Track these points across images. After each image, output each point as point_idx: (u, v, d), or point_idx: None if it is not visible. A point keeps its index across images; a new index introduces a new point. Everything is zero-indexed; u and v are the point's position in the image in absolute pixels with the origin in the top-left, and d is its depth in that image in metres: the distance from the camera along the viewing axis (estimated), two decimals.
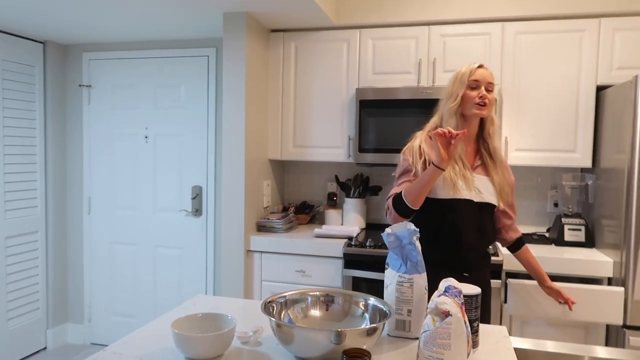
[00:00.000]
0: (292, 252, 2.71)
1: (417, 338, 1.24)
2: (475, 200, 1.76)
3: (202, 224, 3.41)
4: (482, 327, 1.28)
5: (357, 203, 3.06)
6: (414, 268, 1.23)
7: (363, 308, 1.20)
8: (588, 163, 2.63)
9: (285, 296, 1.22)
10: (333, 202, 3.19)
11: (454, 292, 1.06)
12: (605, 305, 1.98)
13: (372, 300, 1.20)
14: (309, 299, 1.22)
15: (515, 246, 1.97)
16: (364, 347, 1.03)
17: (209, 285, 3.41)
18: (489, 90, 1.76)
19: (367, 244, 2.58)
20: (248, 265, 2.78)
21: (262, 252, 2.77)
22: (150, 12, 2.74)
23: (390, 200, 1.75)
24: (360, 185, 3.09)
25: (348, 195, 3.09)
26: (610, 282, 2.35)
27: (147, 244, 3.51)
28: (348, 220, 3.06)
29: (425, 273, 1.25)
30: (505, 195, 1.82)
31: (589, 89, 2.61)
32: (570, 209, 2.76)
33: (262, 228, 2.90)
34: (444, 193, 1.74)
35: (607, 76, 2.58)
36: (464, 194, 1.74)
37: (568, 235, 2.63)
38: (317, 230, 2.80)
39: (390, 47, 2.85)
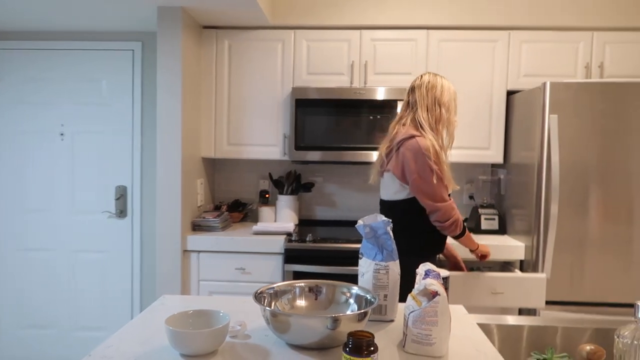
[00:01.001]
0: (230, 250, 2.70)
1: (392, 320, 1.35)
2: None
3: (127, 226, 3.26)
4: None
5: (290, 200, 3.13)
6: (389, 256, 1.33)
7: (347, 296, 1.27)
8: (500, 159, 2.94)
9: (273, 287, 1.26)
10: (265, 199, 3.22)
11: (435, 274, 1.18)
12: (530, 291, 2.25)
13: (355, 289, 1.28)
14: (297, 289, 1.27)
15: None
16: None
17: (136, 289, 3.27)
18: None
19: (307, 238, 2.66)
20: (185, 265, 2.72)
21: (199, 251, 2.73)
22: (71, 1, 2.57)
23: (460, 223, 2.05)
24: (293, 182, 3.16)
25: (281, 193, 3.14)
26: (522, 264, 2.66)
27: (64, 249, 3.27)
28: (281, 217, 3.11)
29: (398, 260, 1.36)
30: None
31: (500, 93, 2.92)
32: (485, 201, 3.07)
33: (198, 227, 2.85)
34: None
35: (515, 82, 2.91)
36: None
37: (484, 224, 2.93)
38: (256, 227, 2.83)
39: (324, 48, 2.95)
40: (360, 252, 1.40)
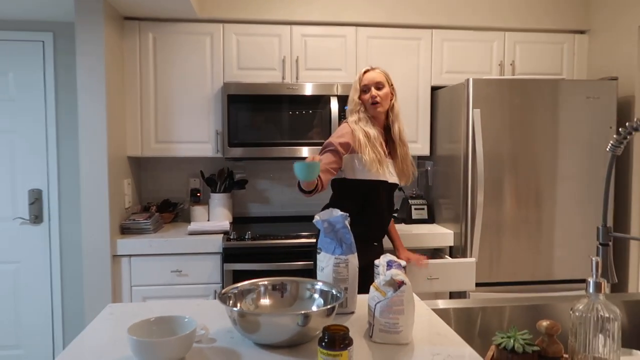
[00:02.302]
0: (165, 252, 2.59)
1: (352, 312, 1.37)
2: (389, 181, 2.13)
3: (43, 232, 3.00)
4: None
5: (224, 198, 3.06)
6: (348, 249, 1.36)
7: (311, 292, 1.28)
8: (427, 152, 3.09)
9: (237, 287, 1.23)
10: (197, 198, 3.12)
11: (397, 264, 1.22)
12: (462, 274, 2.39)
13: (319, 285, 1.29)
14: (262, 288, 1.25)
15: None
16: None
17: (56, 299, 3.03)
18: (379, 88, 2.13)
19: (246, 236, 2.62)
20: (115, 271, 2.57)
21: (130, 255, 2.59)
22: None
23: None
24: (226, 179, 3.09)
25: (214, 191, 3.06)
26: (451, 250, 2.82)
27: None
28: (215, 215, 3.03)
29: (356, 253, 1.39)
30: (407, 172, 2.20)
31: (425, 89, 3.06)
32: (414, 192, 3.21)
33: (127, 230, 2.70)
34: (366, 175, 2.08)
35: (438, 78, 3.06)
36: (381, 175, 2.08)
37: (415, 214, 3.07)
38: (191, 227, 2.73)
39: (254, 43, 2.91)
40: (318, 247, 1.41)
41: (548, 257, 2.72)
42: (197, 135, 2.90)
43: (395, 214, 3.04)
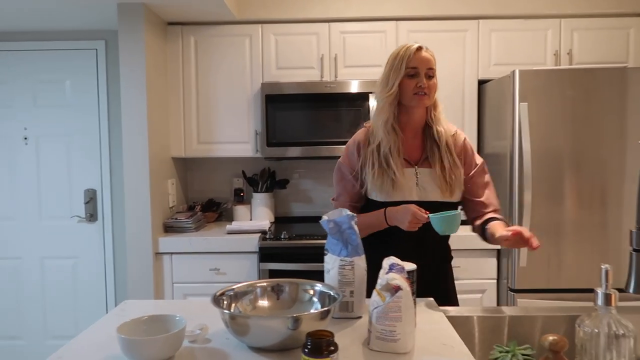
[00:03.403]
0: (204, 250, 2.64)
1: (359, 317, 1.31)
2: (417, 199, 1.57)
3: (98, 230, 3.17)
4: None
5: (266, 197, 3.08)
6: (354, 251, 1.29)
7: (311, 294, 1.23)
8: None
9: (233, 289, 1.21)
10: (240, 197, 3.16)
11: (398, 268, 1.15)
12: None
13: (319, 286, 1.24)
14: (258, 290, 1.23)
15: (482, 233, 1.64)
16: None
17: (110, 294, 3.19)
18: (429, 77, 1.58)
19: (282, 236, 2.62)
20: (157, 268, 2.65)
21: (172, 253, 2.66)
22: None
23: None
24: (267, 179, 3.11)
25: (256, 190, 3.09)
26: (499, 253, 2.65)
27: (31, 256, 3.17)
28: (257, 215, 3.05)
29: (365, 255, 1.32)
30: (457, 184, 1.60)
31: (472, 83, 2.90)
32: None
33: (170, 229, 2.78)
34: (379, 195, 1.60)
35: (486, 71, 2.90)
36: (399, 195, 1.57)
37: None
38: (229, 226, 2.77)
39: (292, 42, 2.90)
40: (325, 248, 1.36)
41: (611, 263, 2.48)
42: (237, 135, 2.94)
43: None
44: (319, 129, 2.82)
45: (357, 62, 2.90)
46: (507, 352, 0.87)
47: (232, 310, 1.18)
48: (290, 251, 2.57)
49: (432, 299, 1.43)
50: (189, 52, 2.93)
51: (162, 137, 2.82)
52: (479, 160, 1.71)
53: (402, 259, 1.22)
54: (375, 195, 1.63)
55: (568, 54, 2.87)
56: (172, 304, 1.45)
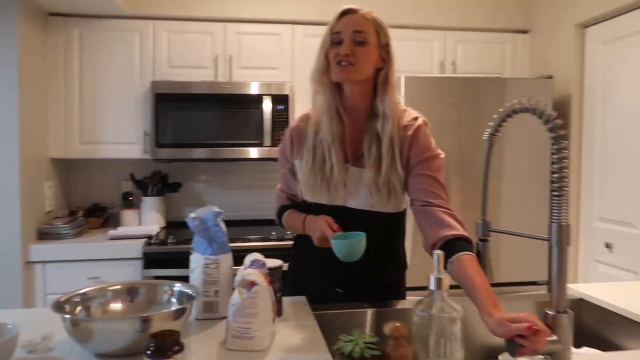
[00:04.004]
0: (82, 258, 2.46)
1: (224, 317, 1.26)
2: (341, 204, 1.35)
3: None
4: (285, 298, 1.36)
5: (156, 201, 2.94)
6: (220, 249, 1.25)
7: (169, 294, 1.17)
8: None
9: (81, 293, 1.12)
10: (129, 202, 2.99)
11: (259, 264, 1.12)
12: None
13: (178, 286, 1.18)
14: (109, 293, 1.14)
15: (446, 253, 1.06)
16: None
17: None
18: (359, 42, 1.26)
19: (169, 241, 2.50)
20: (28, 278, 2.42)
21: (45, 262, 2.45)
22: None
23: (275, 213, 1.56)
24: (158, 182, 2.97)
25: (145, 194, 2.94)
26: None
27: None
28: (146, 219, 2.90)
29: (231, 253, 1.28)
30: (394, 192, 1.32)
31: None
32: None
33: (45, 235, 2.56)
34: (304, 193, 1.40)
35: None
36: (324, 197, 1.34)
37: None
38: (113, 232, 2.61)
39: (186, 41, 2.81)
40: (191, 247, 1.30)
41: (494, 260, 2.63)
42: (124, 136, 2.78)
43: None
44: (213, 131, 2.74)
45: (253, 64, 2.87)
46: (351, 341, 0.87)
47: (77, 314, 1.08)
48: (177, 256, 2.45)
49: (303, 297, 1.42)
50: (72, 46, 2.73)
51: (38, 136, 2.60)
52: (431, 153, 1.34)
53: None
54: (302, 193, 1.41)
55: (452, 63, 3.05)
56: (22, 313, 1.31)
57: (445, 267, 1.11)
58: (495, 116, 1.05)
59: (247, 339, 1.04)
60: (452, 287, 0.89)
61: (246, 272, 1.05)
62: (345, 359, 0.86)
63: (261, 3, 2.87)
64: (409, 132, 1.34)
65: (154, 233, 2.65)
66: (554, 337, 0.93)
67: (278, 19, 2.90)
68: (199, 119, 2.73)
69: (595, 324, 1.42)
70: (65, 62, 2.72)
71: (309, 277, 1.46)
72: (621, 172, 2.51)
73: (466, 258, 1.12)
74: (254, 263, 1.12)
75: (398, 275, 1.51)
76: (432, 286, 0.83)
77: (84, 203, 3.01)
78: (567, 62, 2.78)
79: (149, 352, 0.90)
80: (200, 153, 2.74)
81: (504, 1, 3.09)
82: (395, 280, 1.50)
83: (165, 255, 2.46)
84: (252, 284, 1.03)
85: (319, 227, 1.28)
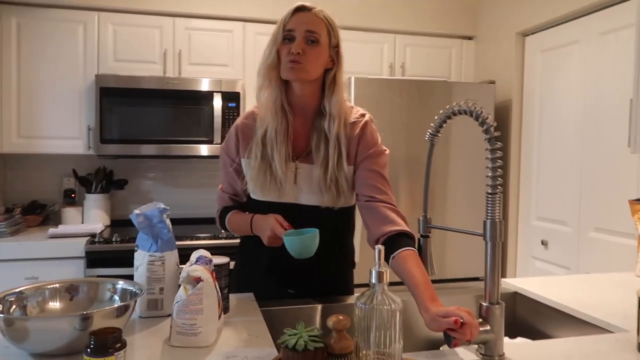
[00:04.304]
0: (19, 257, 2.36)
1: (169, 315, 1.25)
2: (293, 201, 1.35)
3: None
4: (232, 295, 1.37)
5: (100, 199, 2.85)
6: (165, 245, 1.23)
7: (112, 292, 1.15)
8: None
9: (16, 292, 1.07)
10: (71, 199, 2.88)
11: (205, 260, 1.12)
12: None
13: (121, 284, 1.16)
14: (47, 292, 1.10)
15: (388, 248, 1.21)
16: None
17: None
18: (311, 41, 1.27)
19: (114, 239, 2.43)
20: None
21: None
22: None
23: (217, 214, 1.52)
24: (103, 179, 2.88)
25: (89, 191, 2.84)
26: None
27: None
28: (90, 217, 2.81)
29: (177, 250, 1.27)
30: (342, 189, 1.34)
31: None
32: None
33: None
34: (253, 194, 1.39)
35: None
36: (273, 194, 1.34)
37: None
38: (53, 230, 2.51)
39: (133, 34, 2.74)
40: (135, 244, 1.28)
41: (440, 257, 2.73)
42: (67, 130, 2.68)
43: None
44: (161, 127, 2.69)
45: (203, 60, 2.83)
46: (295, 334, 0.89)
47: (12, 313, 1.04)
48: (123, 255, 2.39)
49: (251, 293, 1.42)
50: (9, 35, 2.61)
51: None
52: (377, 149, 1.38)
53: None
54: (251, 192, 1.40)
55: (401, 66, 3.13)
56: None
57: (387, 262, 1.19)
58: (436, 117, 1.10)
59: (192, 336, 1.03)
60: (393, 283, 0.93)
61: (191, 268, 1.05)
62: (290, 352, 0.87)
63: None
64: (357, 130, 1.37)
65: (97, 231, 2.57)
66: (487, 327, 0.99)
67: (229, 16, 2.87)
68: (147, 115, 2.67)
69: (530, 316, 1.51)
70: (2, 53, 2.59)
71: (259, 278, 1.44)
72: (556, 173, 2.66)
73: (407, 254, 1.17)
74: (199, 259, 1.11)
75: (347, 272, 1.54)
76: (373, 280, 0.86)
77: (21, 200, 2.88)
78: (508, 69, 2.92)
79: (88, 350, 0.88)
80: (147, 150, 2.68)
81: (451, 8, 3.20)
82: (344, 277, 1.53)
83: (110, 254, 2.39)
84: (198, 280, 1.03)
85: (269, 226, 1.27)
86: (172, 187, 3.11)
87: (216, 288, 1.08)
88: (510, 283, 1.59)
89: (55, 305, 1.10)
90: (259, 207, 1.38)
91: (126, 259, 2.37)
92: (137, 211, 1.26)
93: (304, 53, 1.26)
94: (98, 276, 2.37)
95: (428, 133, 1.12)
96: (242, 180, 1.43)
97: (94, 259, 2.38)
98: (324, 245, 1.27)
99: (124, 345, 0.90)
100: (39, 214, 2.81)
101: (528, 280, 1.64)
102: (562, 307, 1.38)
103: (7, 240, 2.40)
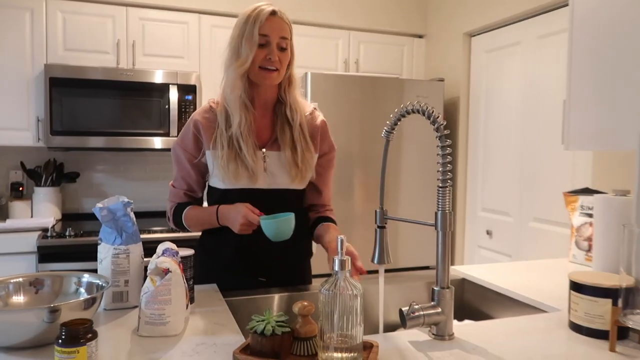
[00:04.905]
0: None
1: (135, 307, 1.27)
2: (265, 187, 1.43)
3: None
4: (197, 286, 1.40)
5: (51, 192, 2.78)
6: (130, 238, 1.25)
7: (77, 285, 1.16)
8: None
9: None
10: (19, 192, 2.79)
11: (172, 252, 1.15)
12: None
13: (87, 277, 1.17)
14: (10, 286, 1.10)
15: (313, 227, 1.53)
16: None
17: None
18: (282, 48, 1.37)
19: (67, 233, 2.39)
20: None
21: None
22: None
23: (170, 211, 1.52)
24: (53, 172, 2.80)
25: (39, 185, 2.76)
26: None
27: None
28: (39, 211, 2.74)
29: (141, 243, 1.29)
30: (309, 169, 1.46)
31: None
32: None
33: None
34: (223, 182, 1.42)
35: None
36: (246, 182, 1.40)
37: None
38: (1, 224, 2.42)
39: (84, 23, 2.68)
40: (99, 237, 1.29)
41: (392, 247, 2.83)
42: (13, 121, 2.59)
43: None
44: (115, 119, 2.65)
45: (158, 52, 2.80)
46: (263, 320, 0.94)
47: None
48: (77, 249, 2.36)
49: (214, 284, 1.46)
50: None
51: None
52: (333, 146, 1.55)
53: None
54: (216, 182, 1.44)
55: (356, 62, 3.22)
56: None
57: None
58: (392, 115, 1.17)
59: (161, 325, 1.07)
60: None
61: (159, 260, 1.08)
62: (258, 337, 0.93)
63: None
64: (316, 122, 1.52)
65: (49, 225, 2.51)
66: (439, 310, 1.08)
67: (184, 7, 2.86)
68: (99, 106, 2.62)
69: (476, 300, 1.63)
70: None
71: (223, 271, 1.48)
72: (499, 167, 2.84)
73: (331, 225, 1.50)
74: (166, 251, 1.15)
75: (307, 261, 1.62)
76: (336, 267, 0.93)
77: None
78: (456, 67, 3.07)
79: (60, 340, 0.90)
80: (100, 142, 2.63)
81: (403, 6, 3.32)
82: (305, 265, 1.61)
83: (63, 249, 2.34)
84: (166, 271, 1.07)
85: (241, 213, 1.32)
86: (126, 180, 3.07)
87: (183, 279, 1.11)
88: (459, 270, 1.71)
89: (19, 299, 1.10)
90: (228, 195, 1.42)
91: (80, 254, 2.36)
92: (99, 205, 1.27)
93: (279, 60, 1.37)
94: (51, 271, 2.32)
95: (384, 130, 1.19)
96: (201, 174, 1.49)
97: (46, 254, 2.33)
98: (296, 228, 1.34)
99: (95, 335, 0.92)
100: None
101: (474, 267, 1.77)
102: (505, 291, 1.51)
103: None
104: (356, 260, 1.30)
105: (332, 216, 1.57)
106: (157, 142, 2.72)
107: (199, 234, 1.59)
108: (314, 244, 1.62)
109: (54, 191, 2.78)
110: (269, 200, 1.41)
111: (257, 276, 1.49)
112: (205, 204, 1.56)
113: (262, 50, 1.35)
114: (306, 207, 1.57)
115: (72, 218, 2.85)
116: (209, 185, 1.52)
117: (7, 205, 2.74)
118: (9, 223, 2.46)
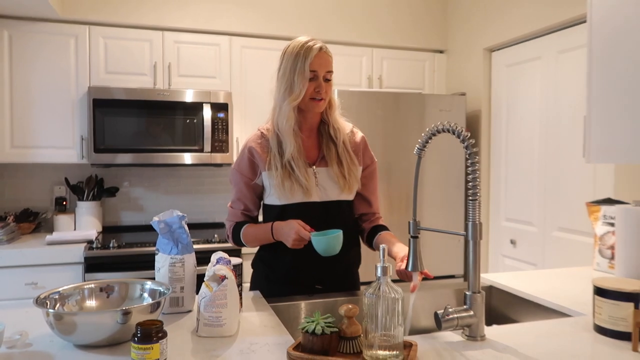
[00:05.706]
0: (18, 264, 2.44)
1: (189, 311, 1.40)
2: (318, 200, 1.57)
3: None
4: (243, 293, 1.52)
5: (92, 206, 2.93)
6: (185, 249, 1.38)
7: (141, 291, 1.28)
8: None
9: (58, 291, 1.20)
10: (63, 207, 2.96)
11: (225, 261, 1.27)
12: None
13: (149, 284, 1.30)
14: (85, 291, 1.23)
15: (370, 236, 1.69)
16: None
17: None
18: (327, 80, 1.54)
19: (111, 245, 2.54)
20: None
21: None
22: None
23: (229, 230, 1.66)
24: (94, 187, 2.97)
25: (81, 199, 2.93)
26: None
27: None
28: (82, 224, 2.89)
29: (194, 253, 1.42)
30: (355, 180, 1.63)
31: None
32: None
33: None
34: (279, 199, 1.56)
35: None
36: (301, 196, 1.55)
37: None
38: (50, 237, 2.59)
39: (123, 47, 2.85)
40: (156, 248, 1.41)
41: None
42: (60, 140, 2.76)
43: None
44: (152, 136, 2.80)
45: (191, 72, 2.96)
46: (313, 321, 1.05)
47: (57, 310, 1.17)
48: (120, 260, 2.50)
49: (257, 291, 1.58)
50: (2, 48, 2.68)
51: None
52: (373, 158, 1.73)
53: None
54: (273, 200, 1.59)
55: (379, 78, 3.33)
56: None
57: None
58: (423, 134, 1.28)
59: (218, 327, 1.18)
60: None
61: (217, 267, 1.20)
62: (309, 336, 1.04)
63: (198, 13, 2.98)
64: (357, 138, 1.70)
65: (93, 237, 2.66)
66: (471, 313, 1.17)
67: (216, 30, 3.01)
68: (138, 125, 2.78)
69: (502, 307, 1.72)
70: None
71: (285, 279, 1.61)
72: (522, 178, 2.91)
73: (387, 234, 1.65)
74: (220, 260, 1.27)
75: (357, 268, 1.76)
76: (378, 273, 1.04)
77: (12, 208, 2.94)
78: (477, 81, 3.16)
79: (136, 338, 1.02)
80: (138, 158, 2.78)
81: (423, 23, 3.43)
82: (356, 272, 1.76)
83: (108, 259, 2.49)
84: (223, 278, 1.18)
85: (294, 229, 1.45)
86: (161, 194, 3.22)
87: (237, 286, 1.23)
88: (486, 277, 1.80)
89: (92, 303, 1.23)
90: (287, 210, 1.57)
91: (123, 264, 2.51)
92: (156, 218, 1.40)
93: (325, 91, 1.54)
94: (97, 281, 2.46)
95: (416, 148, 1.30)
96: (257, 195, 1.64)
97: (92, 264, 2.47)
98: (347, 237, 1.49)
99: (165, 334, 1.04)
100: (32, 222, 2.88)
101: (501, 275, 1.85)
102: (531, 297, 1.59)
103: (5, 247, 2.47)
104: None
105: (384, 224, 1.73)
106: (192, 158, 2.86)
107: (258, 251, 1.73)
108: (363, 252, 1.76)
109: (95, 205, 2.94)
110: (323, 212, 1.57)
111: (313, 284, 1.62)
112: (260, 218, 1.70)
113: (312, 83, 1.51)
114: (357, 217, 1.73)
115: (112, 230, 3.00)
116: (264, 204, 1.66)
117: (52, 219, 2.91)
118: (55, 235, 2.62)
